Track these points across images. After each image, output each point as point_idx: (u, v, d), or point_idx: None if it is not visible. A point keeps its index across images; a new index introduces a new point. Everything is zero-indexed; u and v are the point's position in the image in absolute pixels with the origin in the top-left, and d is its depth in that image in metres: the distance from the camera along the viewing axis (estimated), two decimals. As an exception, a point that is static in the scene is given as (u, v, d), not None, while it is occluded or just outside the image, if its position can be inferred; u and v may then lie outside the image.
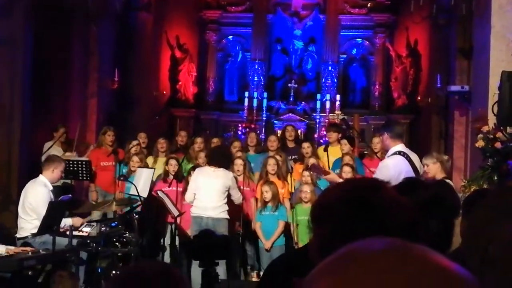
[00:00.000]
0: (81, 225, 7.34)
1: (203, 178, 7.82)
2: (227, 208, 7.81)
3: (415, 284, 0.78)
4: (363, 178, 4.30)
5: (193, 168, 8.47)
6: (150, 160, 9.61)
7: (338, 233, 1.29)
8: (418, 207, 1.41)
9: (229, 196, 7.90)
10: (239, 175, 8.51)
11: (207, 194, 7.73)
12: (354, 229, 1.27)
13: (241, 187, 8.40)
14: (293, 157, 9.46)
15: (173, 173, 8.73)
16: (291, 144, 9.98)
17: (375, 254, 0.83)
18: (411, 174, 5.65)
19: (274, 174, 8.62)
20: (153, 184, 8.62)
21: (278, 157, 8.95)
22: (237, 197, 7.97)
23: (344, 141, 9.29)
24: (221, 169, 7.82)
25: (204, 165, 8.35)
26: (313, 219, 1.43)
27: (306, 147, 9.24)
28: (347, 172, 7.95)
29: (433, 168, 6.75)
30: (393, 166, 5.84)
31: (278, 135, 10.85)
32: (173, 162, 8.84)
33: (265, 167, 8.69)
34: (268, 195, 8.19)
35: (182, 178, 8.75)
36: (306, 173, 8.36)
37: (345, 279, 0.81)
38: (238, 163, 8.59)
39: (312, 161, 8.50)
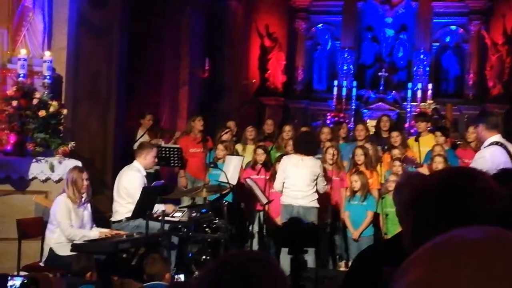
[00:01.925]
0: (173, 211, 7.49)
1: (292, 167, 7.77)
2: (317, 196, 7.75)
3: None
4: (459, 167, 4.21)
5: (281, 157, 8.43)
6: (239, 148, 9.71)
7: (431, 219, 1.28)
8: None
9: None
10: (330, 164, 8.40)
11: (297, 183, 7.69)
12: (447, 216, 1.27)
13: (331, 177, 8.33)
14: (385, 147, 9.28)
15: (261, 162, 8.78)
16: (385, 134, 9.82)
17: (474, 242, 0.82)
18: (509, 165, 5.49)
19: (361, 164, 8.53)
20: (241, 171, 8.71)
21: (368, 145, 8.83)
22: (322, 185, 7.83)
23: (439, 133, 9.06)
24: (309, 157, 7.76)
25: (292, 153, 8.23)
26: (407, 206, 1.42)
27: (395, 136, 9.06)
28: (439, 163, 7.76)
29: None
30: (491, 156, 5.71)
31: (367, 124, 10.65)
32: (260, 151, 8.87)
33: (353, 157, 8.62)
34: (357, 185, 8.11)
35: (270, 166, 8.79)
36: (397, 163, 8.20)
37: (443, 267, 0.80)
38: (331, 152, 8.50)
39: (407, 152, 8.36)
